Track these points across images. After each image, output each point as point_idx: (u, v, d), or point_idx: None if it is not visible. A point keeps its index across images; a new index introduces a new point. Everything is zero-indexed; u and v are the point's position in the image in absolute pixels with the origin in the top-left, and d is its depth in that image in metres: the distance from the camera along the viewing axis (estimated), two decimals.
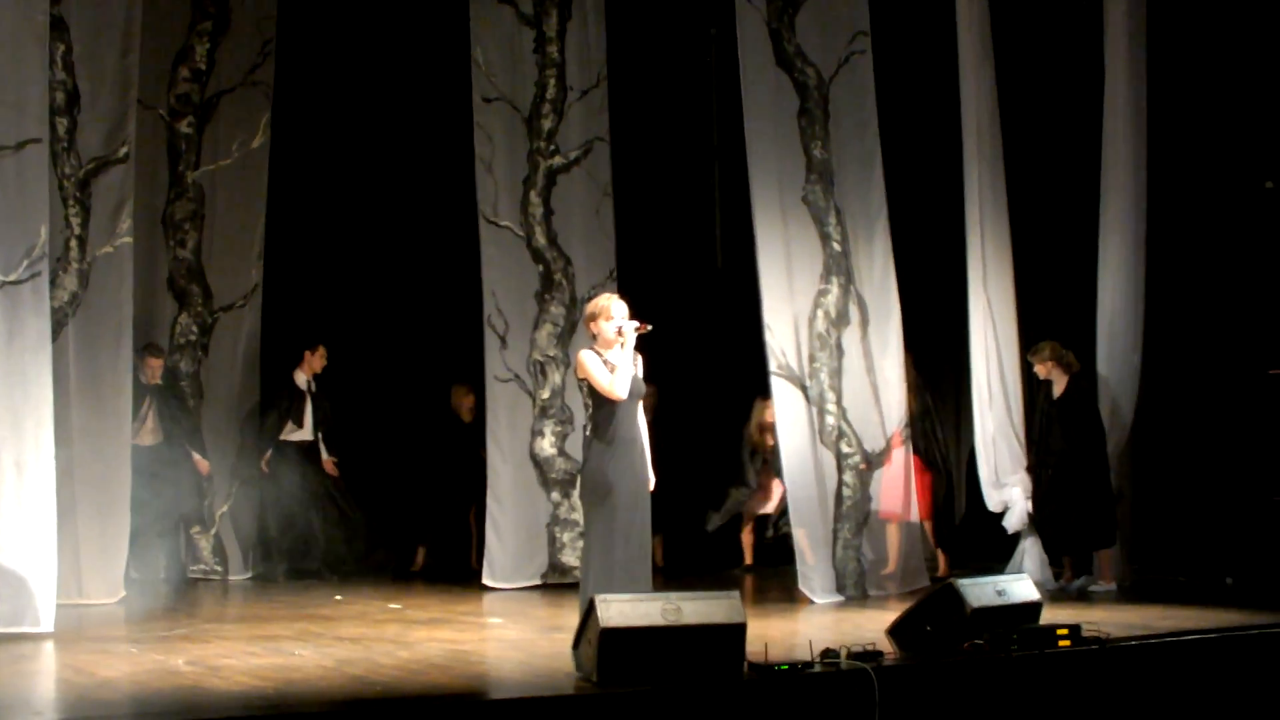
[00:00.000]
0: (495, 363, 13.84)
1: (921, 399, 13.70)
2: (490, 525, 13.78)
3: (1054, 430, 13.11)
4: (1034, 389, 13.57)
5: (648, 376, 9.69)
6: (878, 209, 13.15)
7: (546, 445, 13.79)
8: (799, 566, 12.50)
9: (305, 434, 14.68)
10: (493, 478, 13.81)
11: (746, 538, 15.41)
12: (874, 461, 12.91)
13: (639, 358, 9.55)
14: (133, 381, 13.09)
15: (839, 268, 12.93)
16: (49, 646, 9.97)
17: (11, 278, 10.70)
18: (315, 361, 14.74)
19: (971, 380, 13.54)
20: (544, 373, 13.83)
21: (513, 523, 13.74)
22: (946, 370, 15.55)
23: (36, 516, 10.57)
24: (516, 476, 13.78)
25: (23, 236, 10.76)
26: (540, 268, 13.90)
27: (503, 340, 13.81)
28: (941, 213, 14.34)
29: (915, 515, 13.24)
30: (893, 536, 13.08)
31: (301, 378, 14.72)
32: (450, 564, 14.85)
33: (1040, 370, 13.23)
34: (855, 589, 12.62)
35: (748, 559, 15.39)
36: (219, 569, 14.56)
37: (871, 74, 13.20)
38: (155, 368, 14.07)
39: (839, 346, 12.84)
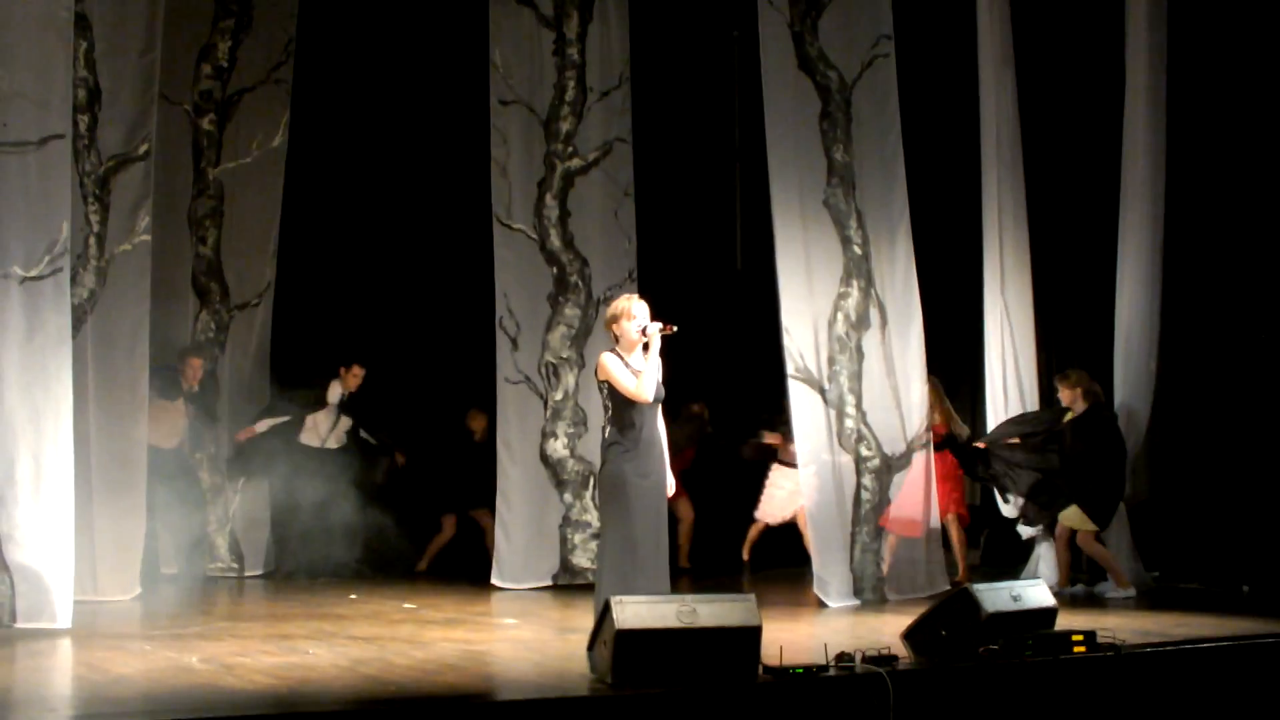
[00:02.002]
0: (506, 365, 13.85)
1: None
2: (499, 526, 13.80)
3: (1063, 438, 13.07)
4: (1049, 396, 13.54)
5: (666, 380, 9.68)
6: (899, 212, 13.12)
7: (559, 447, 13.79)
8: (814, 570, 12.48)
9: (314, 440, 14.68)
10: (502, 479, 13.83)
11: (751, 535, 15.36)
12: (894, 466, 12.88)
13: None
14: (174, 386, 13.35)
15: (859, 271, 12.90)
16: (65, 643, 9.98)
17: (33, 273, 10.72)
18: (350, 380, 14.80)
19: (986, 385, 13.53)
20: (557, 374, 13.82)
21: (522, 524, 13.76)
22: (964, 374, 15.53)
23: (55, 512, 10.59)
24: (526, 478, 13.80)
25: (44, 232, 10.77)
26: (554, 270, 13.90)
27: (514, 342, 13.81)
28: (962, 217, 14.32)
29: (935, 522, 13.18)
30: (888, 540, 13.05)
31: (336, 392, 14.75)
32: (461, 566, 14.88)
33: (1065, 397, 13.16)
34: (874, 593, 12.59)
35: (744, 556, 15.36)
36: (235, 566, 14.61)
37: (894, 77, 13.16)
38: (196, 368, 14.20)
39: (859, 349, 12.81)
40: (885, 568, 12.96)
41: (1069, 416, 13.08)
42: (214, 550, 14.60)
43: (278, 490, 14.42)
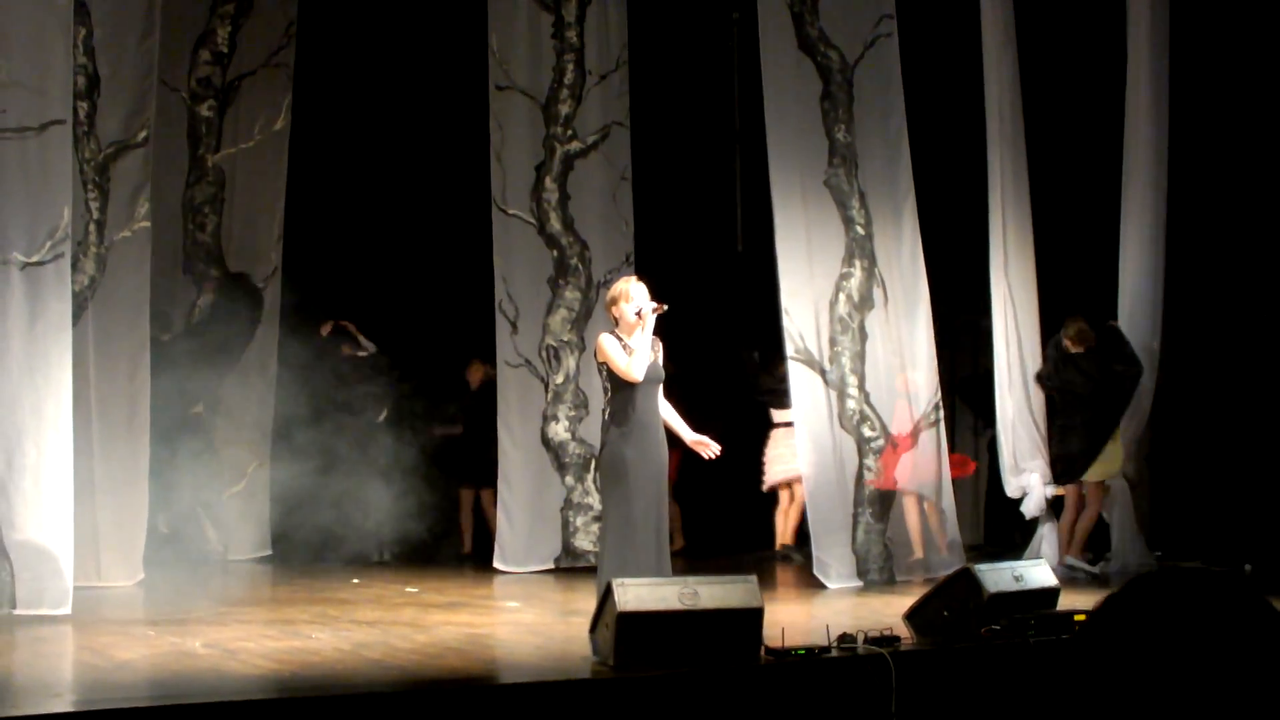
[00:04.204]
0: (506, 348, 13.86)
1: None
2: (501, 509, 13.82)
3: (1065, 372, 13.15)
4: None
5: (668, 361, 9.69)
6: (905, 192, 13.09)
7: (560, 430, 13.79)
8: (813, 551, 12.49)
9: None
10: (503, 462, 13.84)
11: (789, 513, 15.21)
12: (899, 446, 12.85)
13: (658, 343, 9.56)
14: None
15: (862, 251, 12.88)
16: (66, 628, 9.99)
17: (34, 259, 10.71)
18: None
19: (995, 364, 13.50)
20: (558, 357, 13.82)
21: (524, 507, 13.77)
22: (974, 353, 15.47)
23: (56, 498, 10.59)
24: (527, 461, 13.80)
25: (45, 218, 10.77)
26: (554, 253, 13.90)
27: (514, 325, 13.81)
28: (969, 197, 14.29)
29: (947, 495, 13.11)
30: (913, 521, 13.00)
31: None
32: (445, 547, 14.87)
33: (1069, 344, 13.17)
34: (880, 574, 12.57)
35: (790, 539, 15.13)
36: (221, 549, 14.59)
37: (897, 57, 13.13)
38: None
39: (862, 330, 12.79)
40: (917, 550, 12.91)
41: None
42: (204, 533, 14.58)
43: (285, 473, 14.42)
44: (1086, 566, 12.97)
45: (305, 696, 7.51)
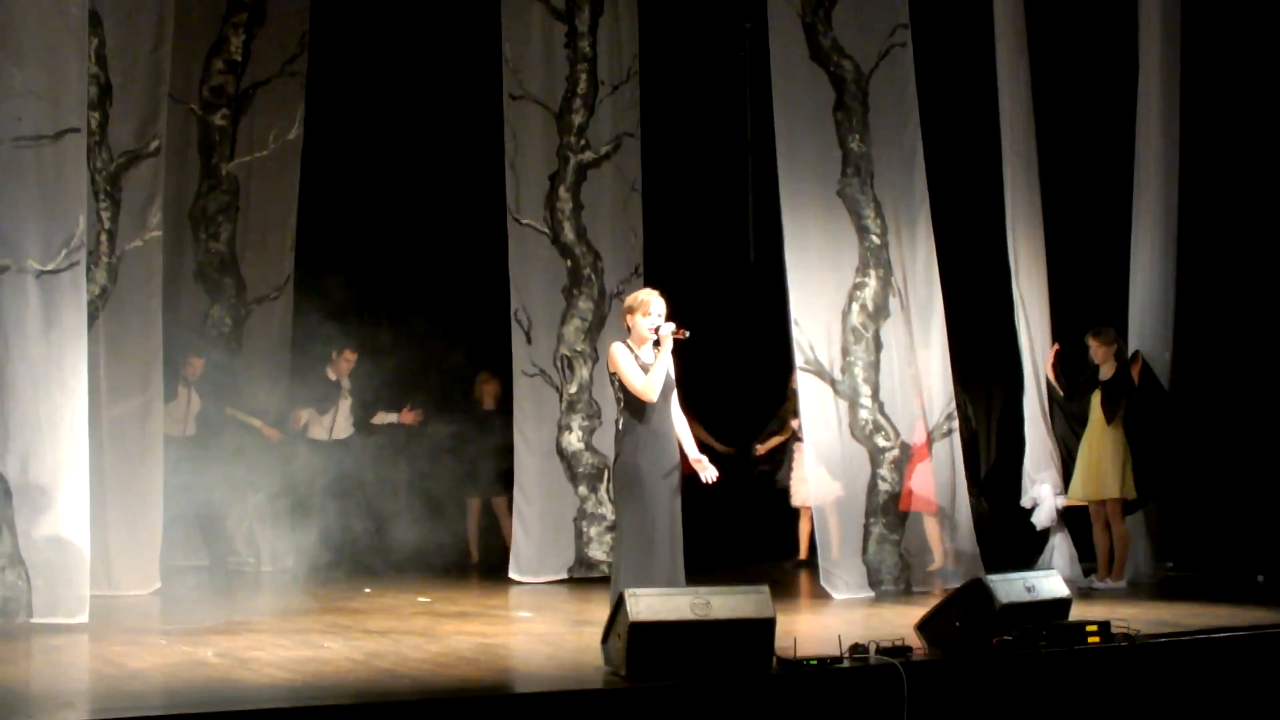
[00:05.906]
0: (521, 357, 13.85)
1: None
2: (516, 519, 13.81)
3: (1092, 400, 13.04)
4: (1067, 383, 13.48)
5: (679, 373, 9.67)
6: (920, 201, 13.06)
7: (574, 440, 13.79)
8: (821, 562, 12.48)
9: (339, 432, 14.71)
10: (519, 471, 13.84)
11: (804, 526, 15.16)
12: (916, 455, 12.82)
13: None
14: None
15: (878, 260, 12.86)
16: (81, 638, 9.99)
17: (50, 267, 10.73)
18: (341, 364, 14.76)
19: (1025, 373, 13.42)
20: (571, 367, 13.82)
21: (539, 516, 13.76)
22: (993, 364, 15.43)
23: (71, 507, 10.60)
24: (542, 470, 13.80)
25: (60, 226, 10.80)
26: (568, 263, 13.91)
27: (528, 335, 13.81)
28: (980, 206, 14.28)
29: (962, 505, 13.04)
30: (933, 531, 12.97)
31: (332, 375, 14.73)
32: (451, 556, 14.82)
33: (1099, 354, 13.09)
34: (896, 584, 12.55)
35: (803, 554, 15.18)
36: (251, 560, 14.58)
37: (912, 66, 13.12)
38: (197, 367, 14.22)
39: (877, 340, 12.78)
40: (938, 559, 12.89)
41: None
42: (231, 544, 14.57)
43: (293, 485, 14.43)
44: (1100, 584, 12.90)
45: (317, 706, 7.51)
